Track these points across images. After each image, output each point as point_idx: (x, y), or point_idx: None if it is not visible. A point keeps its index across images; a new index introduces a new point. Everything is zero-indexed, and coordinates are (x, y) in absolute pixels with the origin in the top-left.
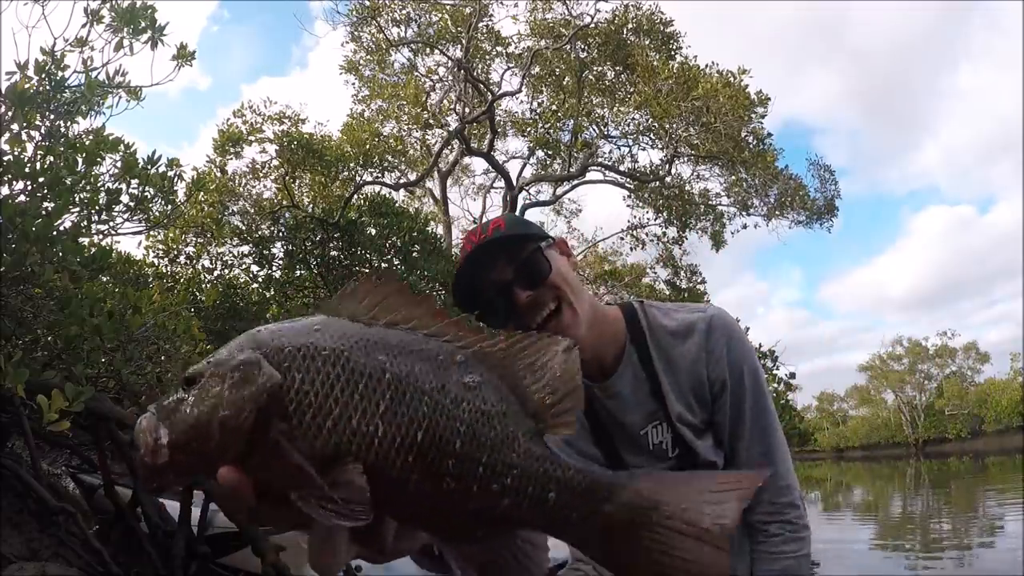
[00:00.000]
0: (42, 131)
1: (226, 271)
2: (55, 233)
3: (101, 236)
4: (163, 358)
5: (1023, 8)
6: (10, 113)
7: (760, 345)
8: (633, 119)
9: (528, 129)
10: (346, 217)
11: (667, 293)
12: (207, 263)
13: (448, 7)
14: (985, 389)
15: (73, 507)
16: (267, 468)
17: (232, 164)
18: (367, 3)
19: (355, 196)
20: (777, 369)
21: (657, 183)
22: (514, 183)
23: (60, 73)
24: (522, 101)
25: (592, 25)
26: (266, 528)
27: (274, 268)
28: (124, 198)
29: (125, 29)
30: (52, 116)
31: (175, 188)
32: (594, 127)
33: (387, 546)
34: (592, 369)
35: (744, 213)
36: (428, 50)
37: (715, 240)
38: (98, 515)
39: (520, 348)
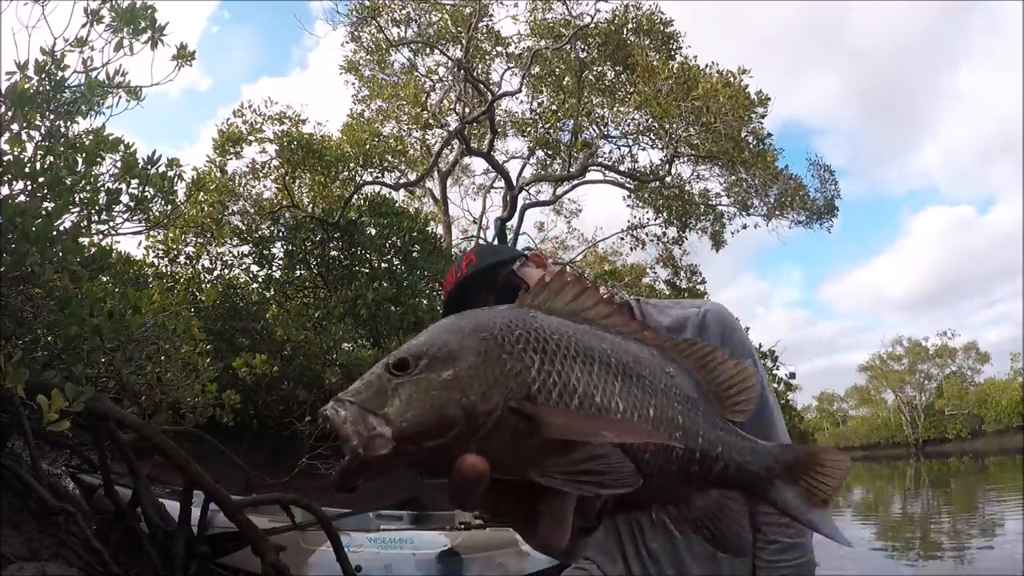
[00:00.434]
0: (42, 131)
1: (226, 271)
2: (55, 233)
3: (101, 236)
4: (163, 358)
5: (1023, 9)
6: (10, 113)
7: (760, 345)
8: (633, 119)
9: (528, 129)
10: (346, 217)
11: (667, 293)
12: (207, 263)
13: (448, 7)
14: (985, 389)
15: (73, 507)
16: (504, 451)
17: (232, 164)
18: (367, 3)
19: (355, 196)
20: (777, 369)
21: (657, 183)
22: (514, 183)
23: (60, 73)
24: (522, 101)
25: (592, 25)
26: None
27: (274, 268)
28: (124, 198)
29: (125, 29)
30: (52, 116)
31: (175, 188)
32: (594, 127)
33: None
34: None
35: (744, 213)
36: (428, 50)
37: (715, 240)
38: (98, 515)
39: (688, 345)
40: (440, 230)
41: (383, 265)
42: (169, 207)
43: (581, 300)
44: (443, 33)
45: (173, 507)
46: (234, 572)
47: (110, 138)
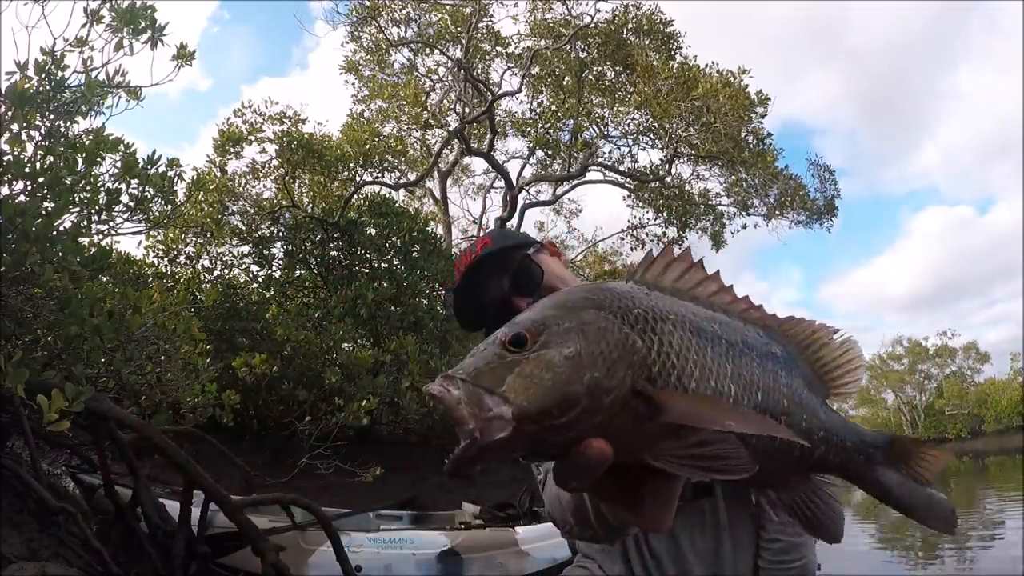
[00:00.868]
0: (42, 131)
1: (226, 271)
2: (55, 233)
3: (101, 236)
4: (163, 358)
5: (1023, 9)
6: (10, 113)
7: None
8: (633, 119)
9: (528, 129)
10: (346, 217)
11: None
12: (207, 263)
13: (448, 7)
14: (985, 389)
15: (73, 507)
16: (622, 432)
17: (232, 164)
18: (367, 3)
19: (355, 196)
20: None
21: (657, 183)
22: (514, 183)
23: (60, 73)
24: (522, 101)
25: (592, 25)
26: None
27: (274, 268)
28: (124, 198)
29: (125, 29)
30: (52, 116)
31: (175, 188)
32: (594, 127)
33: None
34: None
35: (744, 213)
36: (428, 50)
37: (715, 240)
38: (98, 515)
39: (793, 325)
40: (440, 230)
41: (383, 265)
42: (169, 207)
43: (688, 277)
44: (443, 33)
45: (173, 507)
46: (234, 572)
47: (110, 138)
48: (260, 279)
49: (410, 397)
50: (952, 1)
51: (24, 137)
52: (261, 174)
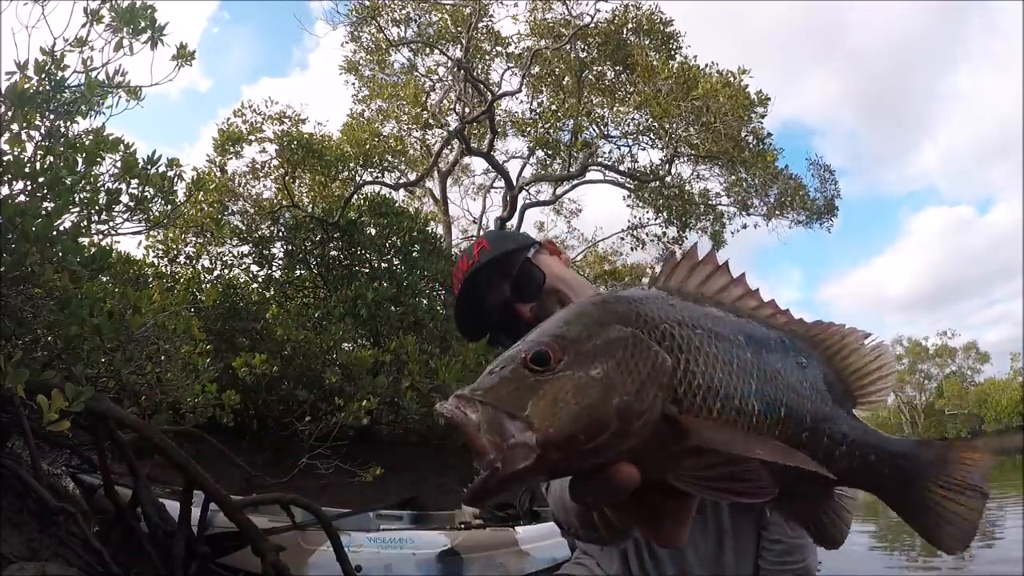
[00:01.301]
0: (42, 131)
1: (226, 271)
2: (55, 233)
3: (101, 236)
4: (163, 358)
5: (1023, 10)
6: (10, 113)
7: None
8: (633, 119)
9: (528, 129)
10: (346, 217)
11: None
12: (207, 263)
13: (448, 7)
14: (985, 389)
15: (73, 507)
16: (647, 454)
17: (232, 164)
18: (367, 3)
19: (355, 196)
20: None
21: (657, 183)
22: (514, 183)
23: (60, 73)
24: (522, 101)
25: (592, 25)
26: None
27: (274, 268)
28: (124, 198)
29: (125, 29)
30: (52, 116)
31: (175, 188)
32: (594, 127)
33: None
34: None
35: (744, 213)
36: (428, 50)
37: (715, 240)
38: (98, 515)
39: (821, 330)
40: (440, 230)
41: (383, 265)
42: (169, 207)
43: (712, 282)
44: (443, 33)
45: (173, 507)
46: (234, 572)
47: (110, 138)
48: (260, 279)
49: (410, 397)
50: (952, 1)
51: (24, 137)
52: (261, 174)
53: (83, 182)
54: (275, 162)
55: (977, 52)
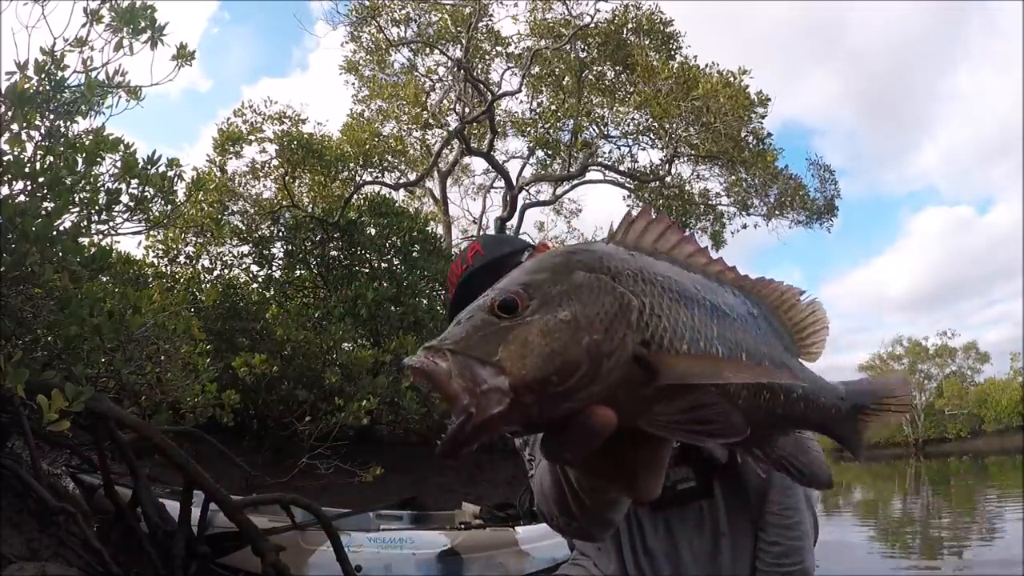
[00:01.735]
0: (42, 131)
1: (226, 271)
2: (55, 233)
3: (101, 236)
4: (163, 358)
5: (1023, 10)
6: (10, 113)
7: None
8: (633, 119)
9: (528, 129)
10: (346, 217)
11: None
12: (207, 263)
13: (448, 7)
14: (985, 389)
15: (73, 507)
16: (619, 398)
17: (232, 164)
18: (367, 3)
19: (355, 196)
20: None
21: (657, 183)
22: (514, 183)
23: (60, 73)
24: (522, 101)
25: (592, 25)
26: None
27: (274, 268)
28: (124, 198)
29: (125, 29)
30: (52, 116)
31: (175, 188)
32: (594, 127)
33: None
34: None
35: (744, 213)
36: (428, 50)
37: (715, 240)
38: (98, 515)
39: (764, 286)
40: (440, 230)
41: (383, 265)
42: (169, 207)
43: (666, 238)
44: (443, 33)
45: (173, 507)
46: (234, 572)
47: (110, 138)
48: (260, 279)
49: (410, 397)
50: (952, 0)
51: (24, 137)
52: (261, 174)
53: (83, 182)
54: (275, 162)
55: (977, 52)
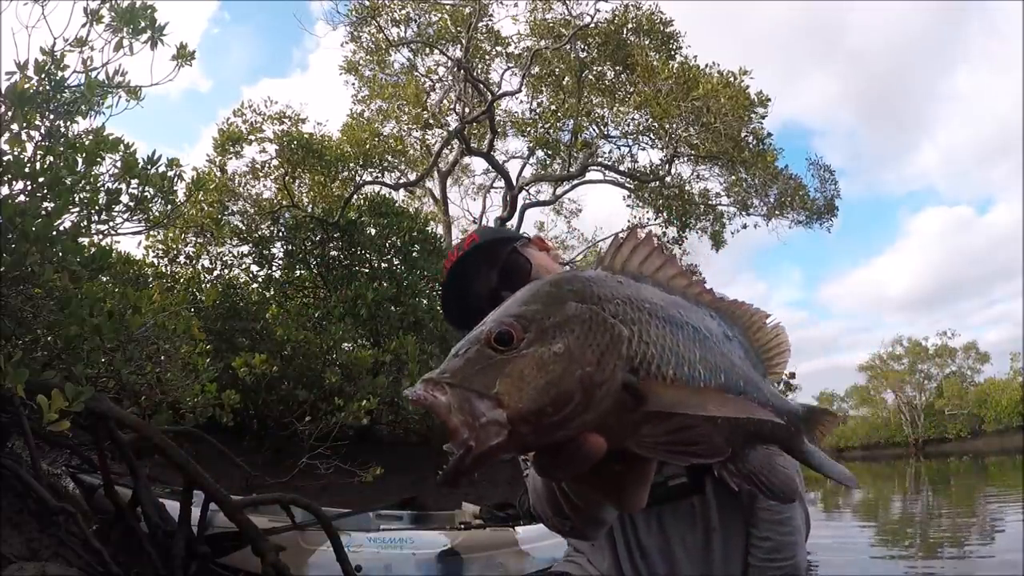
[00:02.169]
0: (42, 131)
1: (226, 271)
2: (55, 233)
3: (101, 236)
4: (163, 358)
5: (1023, 11)
6: (10, 113)
7: None
8: (633, 119)
9: (528, 129)
10: (346, 217)
11: None
12: (207, 263)
13: (448, 7)
14: (985, 389)
15: (73, 507)
16: (609, 423)
17: (232, 164)
18: (367, 3)
19: (355, 196)
20: None
21: (657, 183)
22: (514, 183)
23: (60, 73)
24: (522, 101)
25: (592, 25)
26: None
27: (274, 268)
28: (124, 198)
29: (125, 29)
30: (52, 116)
31: (175, 188)
32: (594, 127)
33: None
34: None
35: (744, 213)
36: (428, 50)
37: (715, 240)
38: (98, 515)
39: (736, 307)
40: (440, 230)
41: (383, 265)
42: (169, 207)
43: (650, 262)
44: (443, 33)
45: (173, 507)
46: (234, 572)
47: (110, 138)
48: (260, 279)
49: None
50: (952, 1)
51: (24, 137)
52: (261, 174)
53: (83, 182)
54: (275, 162)
55: (976, 53)
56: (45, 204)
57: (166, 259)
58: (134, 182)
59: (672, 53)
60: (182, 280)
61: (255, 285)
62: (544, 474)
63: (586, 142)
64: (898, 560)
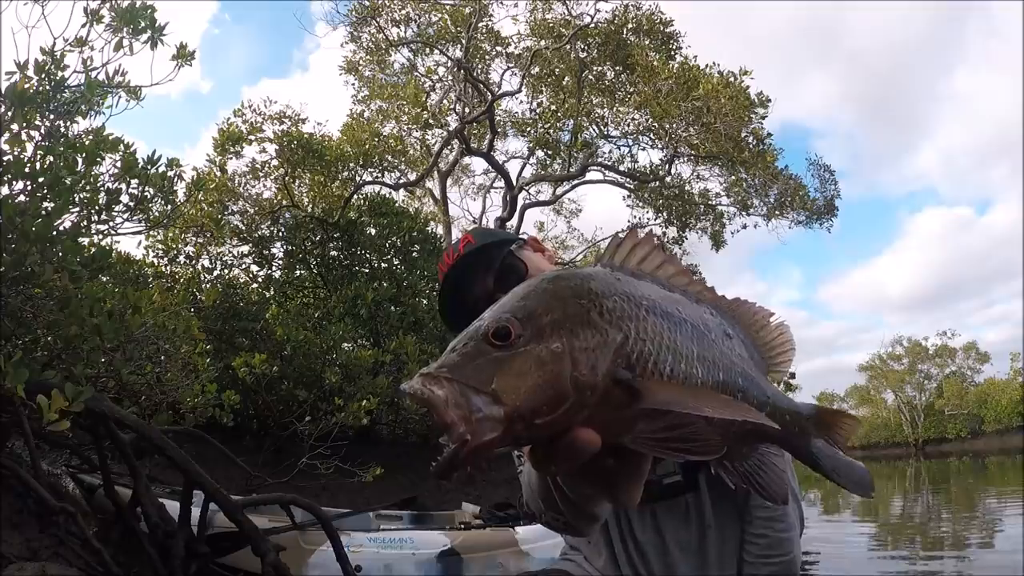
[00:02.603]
0: (42, 131)
1: (226, 271)
2: (55, 233)
3: (101, 236)
4: (163, 358)
5: (1022, 11)
6: (10, 113)
7: None
8: (633, 119)
9: (528, 129)
10: (346, 217)
11: None
12: (207, 263)
13: (448, 7)
14: (985, 389)
15: (73, 507)
16: (604, 420)
17: (232, 164)
18: (367, 3)
19: (355, 196)
20: None
21: (657, 183)
22: (514, 183)
23: (60, 73)
24: (522, 101)
25: (592, 25)
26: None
27: (274, 268)
28: (124, 198)
29: (125, 29)
30: (52, 116)
31: (175, 188)
32: (594, 127)
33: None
34: None
35: (744, 213)
36: (428, 50)
37: (715, 240)
38: (98, 515)
39: (738, 306)
40: (440, 230)
41: (383, 265)
42: (169, 207)
43: (650, 260)
44: (443, 33)
45: (173, 507)
46: (234, 572)
47: (110, 138)
48: (260, 279)
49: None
50: (951, 1)
51: (24, 137)
52: (261, 174)
53: (83, 182)
54: (275, 162)
55: (976, 53)
56: (45, 204)
57: (166, 259)
58: (134, 182)
59: (672, 53)
60: (182, 280)
61: (255, 285)
62: (540, 468)
63: (586, 142)
64: (898, 560)
